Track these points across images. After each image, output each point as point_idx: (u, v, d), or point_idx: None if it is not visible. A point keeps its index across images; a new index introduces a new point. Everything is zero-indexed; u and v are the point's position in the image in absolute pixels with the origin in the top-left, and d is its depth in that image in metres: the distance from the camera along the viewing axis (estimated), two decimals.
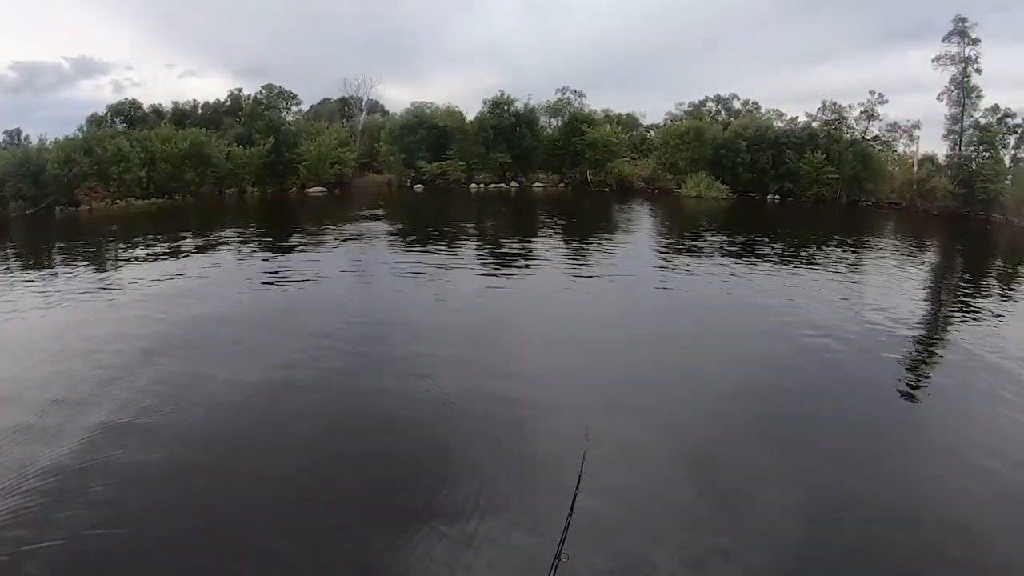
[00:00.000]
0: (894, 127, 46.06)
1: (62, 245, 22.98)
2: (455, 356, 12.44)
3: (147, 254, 21.34)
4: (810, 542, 7.28)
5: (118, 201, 31.33)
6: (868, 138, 45.39)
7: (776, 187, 43.28)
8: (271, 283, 17.95)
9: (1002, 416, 10.51)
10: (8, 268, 19.62)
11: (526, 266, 21.05)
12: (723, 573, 6.71)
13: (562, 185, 46.10)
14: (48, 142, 32.63)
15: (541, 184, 46.23)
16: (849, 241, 28.01)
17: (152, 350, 12.23)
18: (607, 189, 44.56)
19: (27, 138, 39.01)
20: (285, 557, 6.60)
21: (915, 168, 43.00)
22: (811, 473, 8.76)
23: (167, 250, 22.07)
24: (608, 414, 9.98)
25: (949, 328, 16.23)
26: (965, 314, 17.11)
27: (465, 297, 17.00)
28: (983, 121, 40.45)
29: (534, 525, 7.08)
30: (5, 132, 43.00)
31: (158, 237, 24.24)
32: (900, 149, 46.48)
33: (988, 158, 39.20)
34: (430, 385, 10.76)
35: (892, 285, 19.84)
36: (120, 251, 22.12)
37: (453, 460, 8.46)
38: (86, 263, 19.94)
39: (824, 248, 25.69)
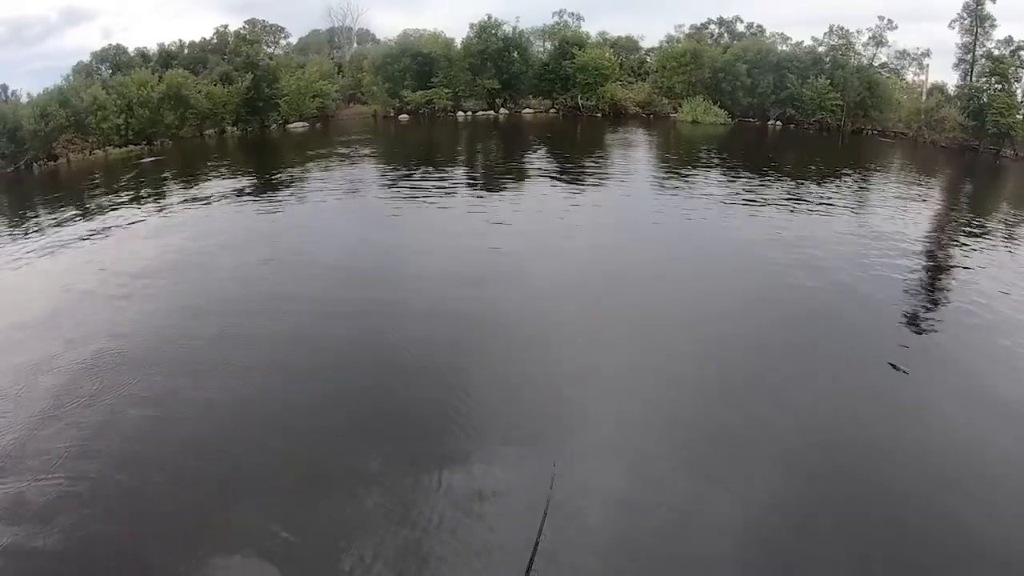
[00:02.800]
0: (903, 54, 43.67)
1: (42, 199, 22.26)
2: (449, 277, 12.97)
3: (130, 199, 20.95)
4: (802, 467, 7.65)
5: (96, 151, 30.18)
6: (875, 65, 42.95)
7: (777, 113, 41.31)
8: (257, 216, 18.14)
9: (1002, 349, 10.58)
10: None
11: (516, 193, 20.78)
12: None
13: (553, 111, 44.06)
14: (25, 97, 31.40)
15: (531, 110, 44.25)
16: (853, 171, 26.60)
17: (148, 285, 12.97)
18: (599, 115, 42.60)
19: (14, 93, 36.37)
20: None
21: (923, 97, 41.02)
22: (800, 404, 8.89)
23: (150, 193, 21.85)
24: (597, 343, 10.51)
25: (952, 263, 15.49)
26: (970, 249, 16.25)
27: (457, 222, 17.15)
28: (996, 52, 38.09)
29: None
30: None
31: (140, 182, 23.82)
32: (909, 78, 44.18)
33: (1000, 91, 37.13)
34: (427, 302, 11.74)
35: (896, 216, 18.94)
36: (101, 199, 21.44)
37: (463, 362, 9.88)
38: (70, 213, 19.25)
39: (826, 177, 24.46)
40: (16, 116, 28.09)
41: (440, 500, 6.75)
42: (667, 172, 24.73)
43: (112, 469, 7.44)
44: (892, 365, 9.97)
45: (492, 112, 43.65)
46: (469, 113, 43.21)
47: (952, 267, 15.08)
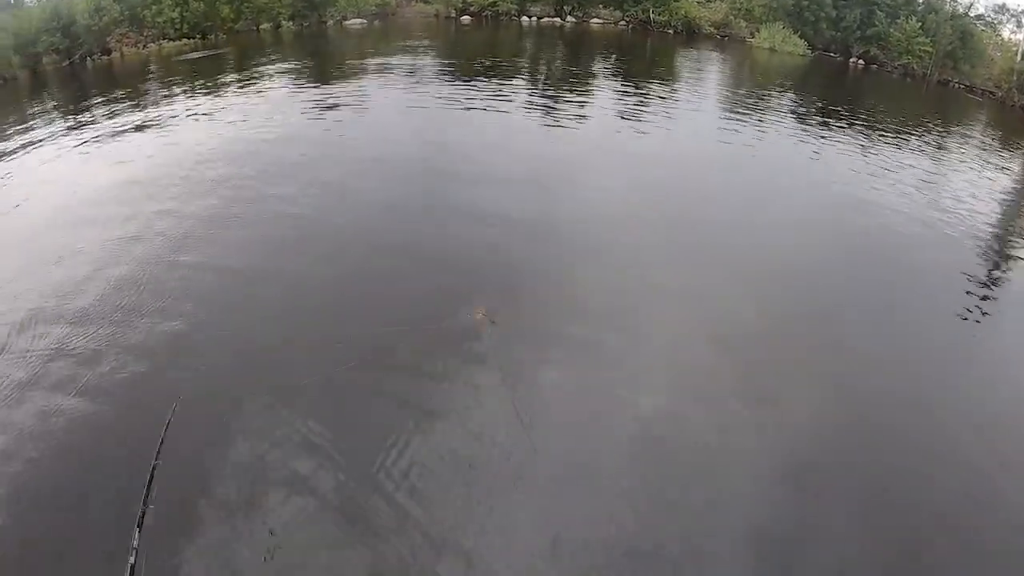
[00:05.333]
0: (1002, 8, 40.84)
1: (98, 92, 21.68)
2: (507, 190, 12.92)
3: (186, 91, 20.85)
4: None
5: (150, 45, 29.63)
6: (971, 15, 39.94)
7: (860, 51, 38.92)
8: (317, 112, 17.88)
9: None
10: (52, 119, 18.58)
11: (580, 107, 20.08)
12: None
13: (623, 23, 41.90)
14: None
15: (600, 21, 42.08)
16: (934, 124, 25.25)
17: (218, 172, 13.25)
18: (671, 31, 40.46)
19: None
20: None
21: (1019, 57, 38.19)
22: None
23: (206, 86, 21.55)
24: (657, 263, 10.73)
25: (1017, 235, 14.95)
26: None
27: (516, 133, 16.79)
28: None
29: None
30: None
31: (195, 75, 23.41)
32: (1005, 35, 41.14)
33: None
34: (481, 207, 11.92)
35: (974, 181, 18.08)
36: (158, 92, 21.36)
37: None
38: (127, 105, 19.23)
39: (906, 128, 23.29)
40: (70, 10, 27.53)
41: None
42: (738, 101, 23.71)
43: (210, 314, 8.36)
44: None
45: (558, 19, 41.60)
46: (534, 19, 41.24)
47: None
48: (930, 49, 37.15)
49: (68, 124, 17.29)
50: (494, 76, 23.21)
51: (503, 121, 17.66)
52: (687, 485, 6.44)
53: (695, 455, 6.81)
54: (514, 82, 22.56)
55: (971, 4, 40.01)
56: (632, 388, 7.58)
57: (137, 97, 20.14)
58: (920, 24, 37.05)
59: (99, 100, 19.99)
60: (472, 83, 21.98)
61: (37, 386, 7.23)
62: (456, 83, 21.98)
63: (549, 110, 19.28)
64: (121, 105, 19.01)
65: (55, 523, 5.72)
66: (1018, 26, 40.62)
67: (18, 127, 17.07)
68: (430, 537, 5.65)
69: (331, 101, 18.96)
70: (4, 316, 8.48)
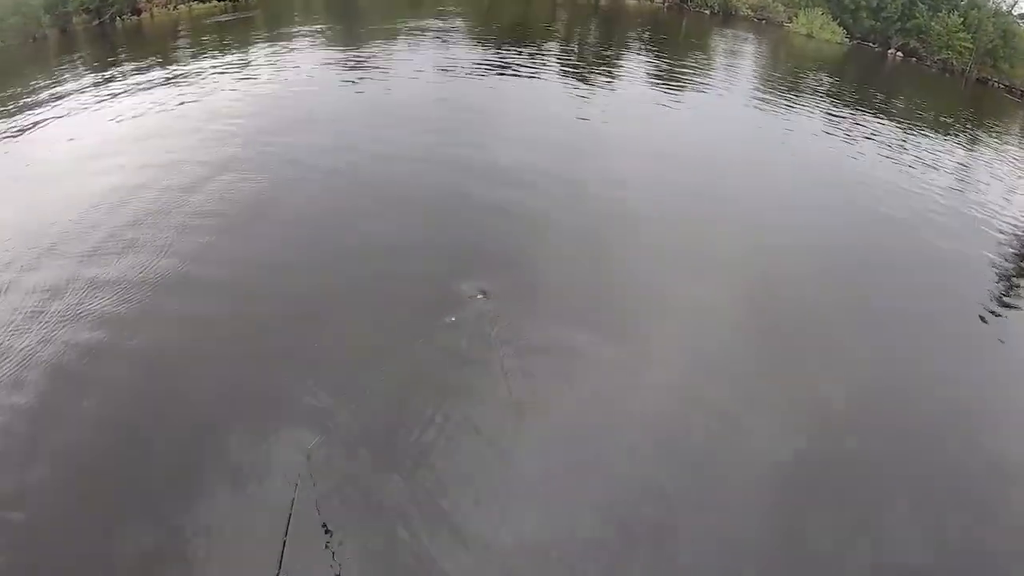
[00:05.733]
0: None
1: (127, 52, 21.77)
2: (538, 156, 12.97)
3: (216, 50, 20.87)
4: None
5: (180, 6, 29.17)
6: (1015, 14, 38.97)
7: (899, 43, 38.08)
8: (352, 76, 17.83)
9: None
10: (80, 75, 18.58)
11: (610, 81, 20.06)
12: None
13: (659, 1, 41.17)
14: None
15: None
16: (969, 124, 24.79)
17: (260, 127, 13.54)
18: (707, 12, 39.76)
19: None
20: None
21: None
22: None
23: (236, 46, 21.58)
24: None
25: None
26: None
27: (548, 103, 16.79)
28: None
29: None
30: None
31: (226, 35, 23.43)
32: None
33: None
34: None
35: (1006, 185, 17.85)
36: (187, 50, 21.44)
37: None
38: (160, 64, 19.20)
39: (941, 125, 22.90)
40: None
41: None
42: (772, 86, 23.39)
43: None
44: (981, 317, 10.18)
45: None
46: None
47: None
48: (970, 45, 36.32)
49: (95, 81, 17.38)
50: (527, 50, 22.92)
51: (539, 92, 17.71)
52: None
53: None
54: (546, 56, 22.31)
55: (1015, 2, 39.07)
56: None
57: (165, 56, 20.11)
58: (962, 19, 36.22)
59: (126, 59, 20.04)
60: (503, 54, 21.75)
61: None
62: (487, 54, 21.73)
63: (584, 82, 19.22)
64: (148, 63, 19.02)
65: None
66: None
67: (47, 83, 17.21)
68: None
69: (365, 66, 18.94)
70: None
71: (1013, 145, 23.55)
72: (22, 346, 7.20)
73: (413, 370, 7.18)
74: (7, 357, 7.07)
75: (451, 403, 6.73)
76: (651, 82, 20.36)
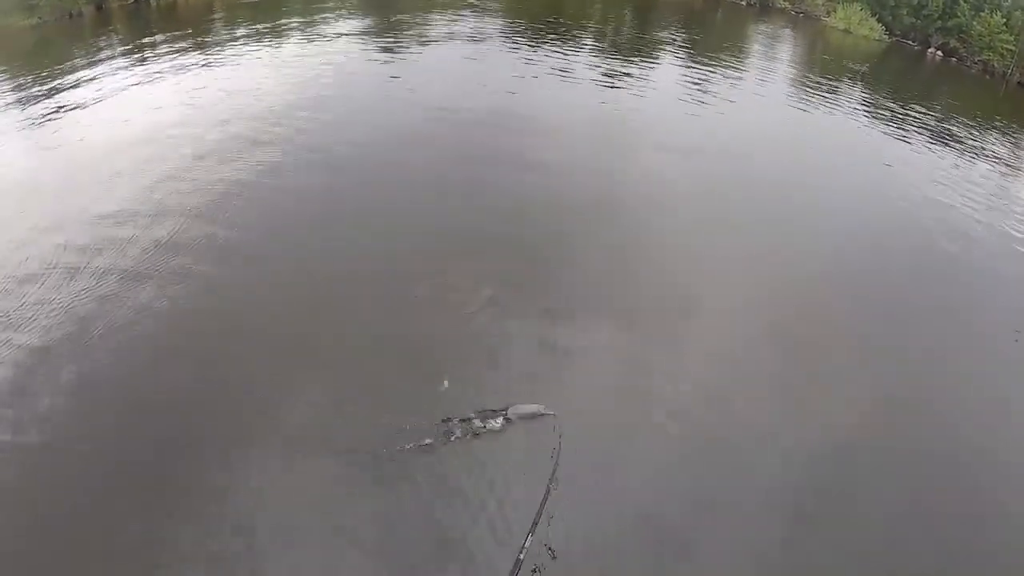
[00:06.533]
0: None
1: (161, 31, 21.36)
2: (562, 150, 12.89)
3: (249, 33, 20.60)
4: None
5: None
6: None
7: (940, 42, 37.14)
8: (388, 69, 17.42)
9: None
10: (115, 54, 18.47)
11: (644, 74, 19.74)
12: None
13: None
14: None
15: None
16: (1011, 130, 24.11)
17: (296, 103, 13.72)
18: (744, 3, 38.97)
19: None
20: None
21: None
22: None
23: (268, 28, 21.25)
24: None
25: None
26: None
27: (580, 96, 16.50)
28: None
29: None
30: None
31: (258, 17, 23.01)
32: None
33: None
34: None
35: None
36: (221, 32, 21.23)
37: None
38: (193, 44, 19.09)
39: (979, 128, 22.43)
40: None
41: None
42: (806, 84, 22.93)
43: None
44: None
45: None
46: None
47: None
48: (1013, 47, 35.38)
49: (128, 60, 17.34)
50: (560, 38, 22.56)
51: (572, 87, 17.43)
52: None
53: None
54: (580, 46, 21.98)
55: None
56: None
57: (198, 36, 19.96)
58: (1005, 20, 35.25)
59: (161, 38, 19.88)
60: (536, 42, 21.44)
61: None
62: (521, 43, 21.40)
63: (618, 75, 18.97)
64: (182, 43, 18.88)
65: None
66: None
67: (84, 60, 17.23)
68: None
69: (397, 57, 18.71)
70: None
71: None
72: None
73: None
74: None
75: None
76: (683, 78, 20.08)
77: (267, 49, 18.01)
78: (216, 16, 23.88)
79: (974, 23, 35.63)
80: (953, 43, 36.75)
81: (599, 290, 8.96)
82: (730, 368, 8.00)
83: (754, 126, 16.80)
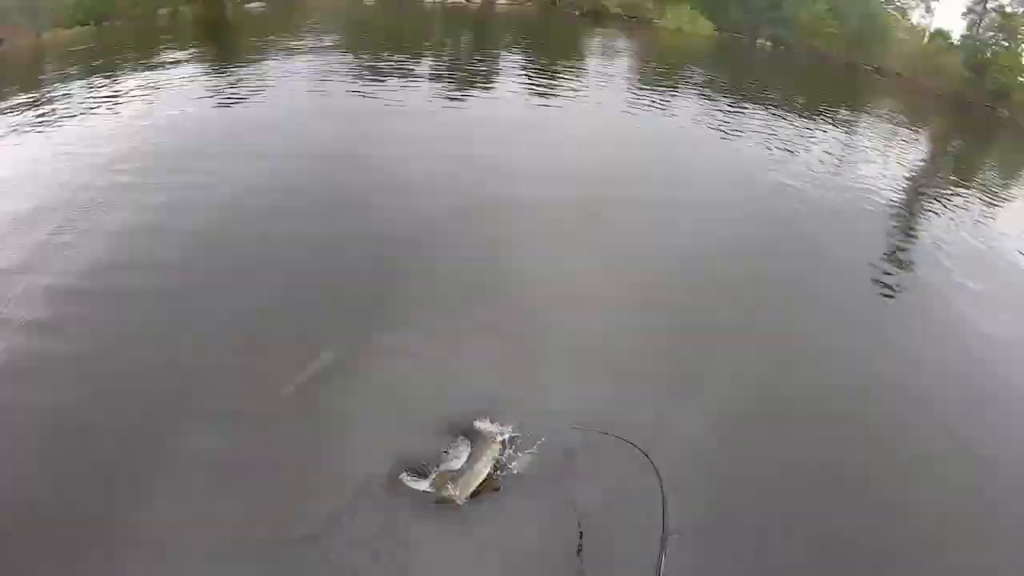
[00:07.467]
0: None
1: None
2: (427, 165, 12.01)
3: (83, 83, 17.57)
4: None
5: (44, 34, 26.50)
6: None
7: (768, 33, 38.15)
8: (223, 103, 15.88)
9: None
10: None
11: (487, 89, 18.73)
12: None
13: (528, 2, 39.99)
14: None
15: (505, 2, 40.16)
16: (841, 107, 24.29)
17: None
18: (577, 12, 38.82)
19: None
20: None
21: (926, 40, 38.56)
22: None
23: (109, 76, 18.35)
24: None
25: (926, 212, 14.57)
26: (947, 201, 15.36)
27: (426, 115, 15.56)
28: (1009, 8, 35.67)
29: None
30: None
31: (94, 64, 19.95)
32: (914, 19, 41.74)
33: (1007, 48, 35.04)
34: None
35: (879, 159, 17.78)
36: (53, 83, 17.82)
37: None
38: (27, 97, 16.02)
39: (812, 109, 22.34)
40: None
41: None
42: (645, 86, 21.99)
43: None
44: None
45: (463, 0, 39.45)
46: (438, 0, 39.04)
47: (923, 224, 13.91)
48: (837, 32, 36.82)
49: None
50: (401, 63, 20.95)
51: (417, 105, 16.22)
52: None
53: None
54: (420, 70, 20.18)
55: None
56: None
57: (33, 90, 16.70)
58: (828, 7, 36.72)
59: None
60: (378, 69, 19.77)
61: None
62: (362, 71, 19.49)
63: (461, 91, 17.78)
64: (22, 98, 15.70)
65: None
66: (927, 11, 40.98)
67: None
68: None
69: (236, 92, 16.73)
70: None
71: (882, 123, 23.28)
72: None
73: None
74: None
75: None
76: (525, 88, 19.00)
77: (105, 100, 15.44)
78: (49, 67, 20.64)
79: (799, 12, 36.88)
80: (781, 32, 37.79)
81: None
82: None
83: (601, 135, 15.94)
